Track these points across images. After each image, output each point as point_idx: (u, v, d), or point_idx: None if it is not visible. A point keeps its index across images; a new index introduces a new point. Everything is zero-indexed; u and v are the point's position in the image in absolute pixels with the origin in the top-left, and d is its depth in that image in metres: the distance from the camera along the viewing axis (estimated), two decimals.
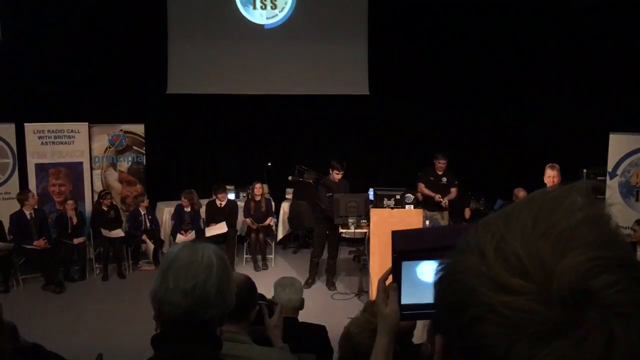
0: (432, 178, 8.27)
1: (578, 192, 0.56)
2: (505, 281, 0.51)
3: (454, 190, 8.19)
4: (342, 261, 8.62)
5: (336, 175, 7.68)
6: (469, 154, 10.33)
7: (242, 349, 1.94)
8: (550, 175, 6.15)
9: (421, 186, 8.20)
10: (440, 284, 0.59)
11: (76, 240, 8.13)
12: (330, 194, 7.58)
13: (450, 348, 0.57)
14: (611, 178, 7.79)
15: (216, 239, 8.81)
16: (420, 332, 2.98)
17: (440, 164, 8.23)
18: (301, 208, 9.09)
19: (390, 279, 1.22)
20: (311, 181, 9.16)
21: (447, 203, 8.07)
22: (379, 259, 6.87)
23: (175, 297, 1.39)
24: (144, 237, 8.55)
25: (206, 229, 8.73)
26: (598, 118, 8.67)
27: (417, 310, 1.21)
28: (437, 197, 8.01)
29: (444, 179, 8.22)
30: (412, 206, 7.01)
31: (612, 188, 7.74)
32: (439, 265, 0.60)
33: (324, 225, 7.74)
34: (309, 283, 7.72)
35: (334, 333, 3.66)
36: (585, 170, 8.33)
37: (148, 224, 8.68)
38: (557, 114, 9.63)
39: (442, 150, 8.39)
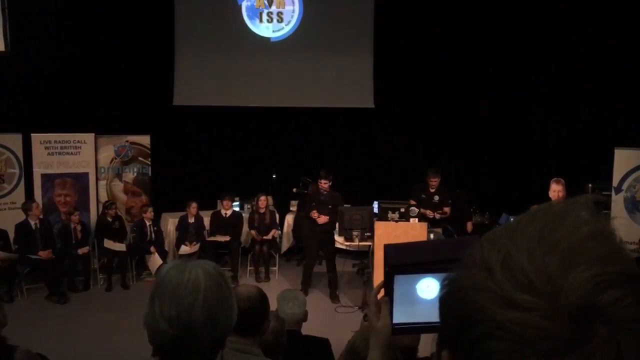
0: (423, 196, 8.02)
1: (582, 206, 0.57)
2: (513, 297, 0.51)
3: (447, 209, 8.00)
4: (346, 274, 8.60)
5: (324, 185, 7.65)
6: (474, 167, 10.32)
7: None
8: (556, 190, 6.13)
9: (411, 203, 8.04)
10: (446, 300, 0.59)
11: (81, 251, 8.14)
12: (314, 204, 7.59)
13: None
14: (616, 193, 7.76)
15: (220, 250, 8.86)
16: (426, 345, 2.96)
17: (433, 182, 7.99)
18: (305, 220, 9.08)
19: (382, 292, 1.21)
20: None
21: (435, 216, 7.90)
22: (383, 272, 6.84)
23: (161, 325, 1.30)
24: (152, 248, 8.55)
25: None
26: (603, 133, 8.67)
27: (411, 326, 1.19)
28: (428, 212, 7.83)
29: (436, 197, 7.96)
30: (416, 219, 7.00)
31: (618, 203, 7.71)
32: (444, 281, 0.60)
33: (314, 238, 7.75)
34: None
35: (338, 347, 3.65)
36: (590, 185, 8.31)
37: (153, 236, 8.69)
38: (563, 128, 9.64)
39: (434, 167, 8.15)
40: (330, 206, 7.68)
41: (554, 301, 0.50)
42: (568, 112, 9.52)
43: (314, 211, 7.56)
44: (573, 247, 0.53)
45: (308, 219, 7.78)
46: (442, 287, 0.60)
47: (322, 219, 7.54)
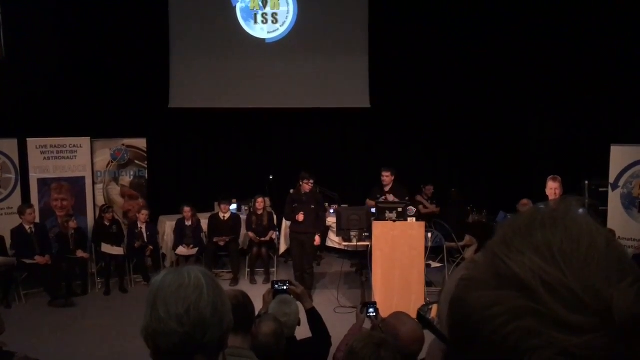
0: (378, 196, 7.88)
1: (576, 209, 0.56)
2: (567, 319, 0.48)
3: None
4: (344, 274, 8.60)
5: (306, 186, 7.67)
6: (470, 166, 10.33)
7: None
8: (552, 187, 6.13)
9: (368, 203, 8.02)
10: (466, 326, 0.54)
11: (79, 253, 8.13)
12: (296, 205, 7.62)
13: None
14: (613, 190, 7.77)
15: (220, 252, 8.85)
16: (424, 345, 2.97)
17: (384, 178, 7.86)
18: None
19: None
20: None
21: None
22: (382, 272, 6.85)
23: (170, 325, 1.30)
24: (149, 249, 8.54)
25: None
26: (599, 130, 8.68)
27: None
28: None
29: (391, 197, 7.78)
30: (414, 219, 7.00)
31: (614, 200, 7.72)
32: (453, 302, 0.55)
33: (295, 240, 7.80)
34: None
35: (337, 346, 3.65)
36: (587, 182, 8.33)
37: (145, 239, 8.66)
38: (559, 126, 9.66)
39: (387, 164, 8.03)
40: (312, 206, 7.70)
41: (606, 318, 0.48)
42: (564, 109, 9.54)
43: (301, 213, 7.57)
44: (602, 259, 0.51)
45: (290, 221, 7.83)
46: (453, 308, 0.56)
47: (300, 217, 7.58)
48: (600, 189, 7.93)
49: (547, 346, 0.48)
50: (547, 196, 6.18)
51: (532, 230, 0.54)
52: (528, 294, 0.49)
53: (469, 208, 9.51)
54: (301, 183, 7.73)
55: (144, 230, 8.68)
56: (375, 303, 3.92)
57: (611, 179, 7.80)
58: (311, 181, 7.70)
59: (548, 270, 0.50)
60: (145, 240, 8.64)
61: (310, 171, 7.87)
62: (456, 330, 0.56)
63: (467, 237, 9.01)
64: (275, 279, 4.13)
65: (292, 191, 7.91)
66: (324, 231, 8.76)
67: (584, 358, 0.47)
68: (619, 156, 7.76)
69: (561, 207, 0.57)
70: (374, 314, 3.79)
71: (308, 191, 7.71)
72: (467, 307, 0.53)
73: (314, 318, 3.65)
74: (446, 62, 10.20)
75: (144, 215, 8.72)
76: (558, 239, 0.52)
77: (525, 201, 8.22)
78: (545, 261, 0.50)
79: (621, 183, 7.78)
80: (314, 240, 7.77)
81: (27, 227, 7.83)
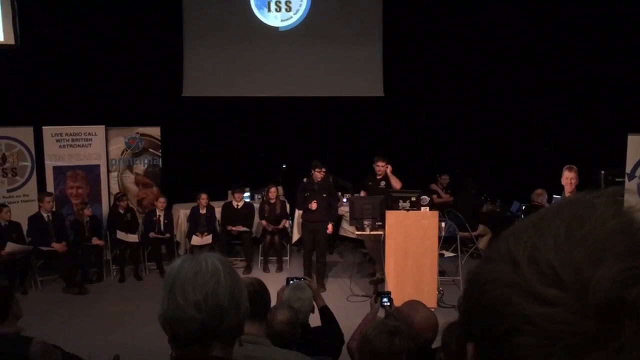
0: (370, 183, 7.88)
1: (607, 199, 0.56)
2: (539, 291, 0.51)
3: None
4: (357, 263, 8.61)
5: (318, 175, 7.67)
6: (484, 155, 10.26)
7: (262, 350, 1.95)
8: (568, 177, 6.06)
9: (361, 193, 8.01)
10: (471, 294, 0.58)
11: (94, 241, 8.20)
12: (307, 194, 7.63)
13: (483, 357, 0.57)
14: (629, 180, 7.68)
15: (233, 241, 8.89)
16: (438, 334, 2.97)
17: (378, 167, 7.81)
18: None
19: None
20: None
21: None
22: (395, 261, 6.84)
23: (189, 311, 1.31)
24: (167, 236, 8.61)
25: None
26: (616, 119, 8.57)
27: None
28: None
29: (383, 183, 7.78)
30: (427, 208, 6.97)
31: (631, 190, 7.63)
32: (469, 274, 0.60)
33: (307, 228, 7.82)
34: None
35: (350, 335, 3.66)
36: (603, 172, 8.23)
37: (162, 227, 8.72)
38: (575, 115, 9.54)
39: (381, 153, 7.98)
40: (324, 195, 7.70)
41: (582, 296, 0.49)
42: (581, 98, 9.42)
43: (314, 201, 7.58)
44: (600, 241, 0.52)
45: (302, 210, 7.87)
46: (468, 280, 0.60)
47: (314, 205, 7.60)
48: (617, 179, 7.84)
49: (515, 314, 0.51)
50: (562, 186, 6.12)
51: (544, 217, 0.57)
52: (514, 268, 0.53)
53: (482, 198, 9.46)
54: (313, 172, 7.74)
55: (161, 218, 8.73)
56: (389, 293, 3.93)
57: (628, 169, 7.70)
58: (323, 169, 7.70)
59: (540, 248, 0.53)
60: (162, 228, 8.70)
61: (323, 160, 7.87)
62: (465, 300, 0.60)
63: (481, 227, 8.97)
64: (289, 276, 4.17)
65: (305, 180, 7.92)
66: (337, 220, 8.78)
67: (545, 329, 0.50)
68: (636, 145, 7.65)
69: (586, 196, 0.57)
70: (388, 304, 3.80)
71: (320, 180, 7.71)
72: (472, 278, 0.59)
73: (327, 316, 3.68)
74: (460, 51, 10.10)
75: (161, 202, 8.76)
76: (565, 221, 0.54)
77: (539, 191, 8.17)
78: (542, 241, 0.53)
79: (638, 173, 7.69)
80: (327, 229, 7.78)
81: (44, 214, 7.91)
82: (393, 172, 7.81)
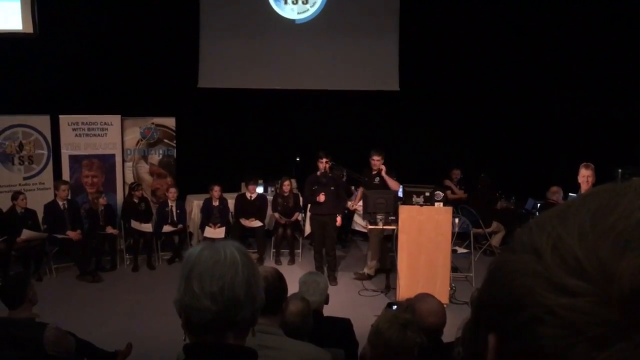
0: (366, 179, 7.76)
1: (635, 191, 0.55)
2: (563, 282, 0.50)
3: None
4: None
5: (320, 165, 7.66)
6: (500, 151, 10.19)
7: (275, 341, 1.96)
8: (585, 175, 6.00)
9: (360, 189, 7.93)
10: (493, 283, 0.58)
11: (109, 230, 8.27)
12: (315, 187, 7.63)
13: (504, 348, 0.56)
14: None
15: (246, 232, 8.92)
16: (452, 328, 2.95)
17: (374, 161, 7.62)
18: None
19: None
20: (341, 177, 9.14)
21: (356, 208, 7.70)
22: (407, 256, 6.82)
23: (204, 302, 1.31)
24: (180, 227, 8.66)
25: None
26: (633, 115, 8.46)
27: None
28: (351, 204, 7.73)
29: (377, 179, 7.65)
30: (441, 203, 6.93)
31: None
32: (491, 265, 0.59)
33: (316, 222, 7.82)
34: None
35: (361, 329, 3.65)
36: (620, 170, 8.14)
37: (175, 218, 8.76)
38: (591, 111, 9.44)
39: (376, 147, 7.78)
40: (332, 188, 7.68)
41: (606, 287, 0.48)
42: (597, 94, 9.32)
43: (322, 193, 7.56)
44: (627, 231, 0.50)
45: (311, 203, 7.87)
46: (489, 270, 0.59)
47: (322, 197, 7.58)
48: (634, 178, 7.72)
49: (537, 304, 0.50)
50: (578, 184, 6.06)
51: (569, 207, 0.56)
52: (537, 258, 0.52)
53: (497, 194, 9.39)
54: (319, 162, 7.72)
55: (173, 209, 8.78)
56: (399, 303, 3.91)
57: None
58: (325, 160, 7.67)
59: (564, 239, 0.52)
60: (175, 218, 8.74)
61: (336, 154, 7.86)
62: (487, 289, 0.59)
63: (495, 224, 8.91)
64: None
65: (318, 173, 7.91)
66: (348, 213, 8.77)
67: (567, 319, 0.49)
68: None
69: (613, 187, 0.56)
70: None
71: (324, 170, 7.69)
72: (494, 267, 0.58)
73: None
74: (476, 46, 10.02)
75: (172, 193, 8.81)
76: (591, 212, 0.53)
77: (555, 188, 8.10)
78: (567, 231, 0.52)
79: None
80: (336, 222, 7.77)
81: (60, 203, 7.99)
82: (393, 172, 7.74)
